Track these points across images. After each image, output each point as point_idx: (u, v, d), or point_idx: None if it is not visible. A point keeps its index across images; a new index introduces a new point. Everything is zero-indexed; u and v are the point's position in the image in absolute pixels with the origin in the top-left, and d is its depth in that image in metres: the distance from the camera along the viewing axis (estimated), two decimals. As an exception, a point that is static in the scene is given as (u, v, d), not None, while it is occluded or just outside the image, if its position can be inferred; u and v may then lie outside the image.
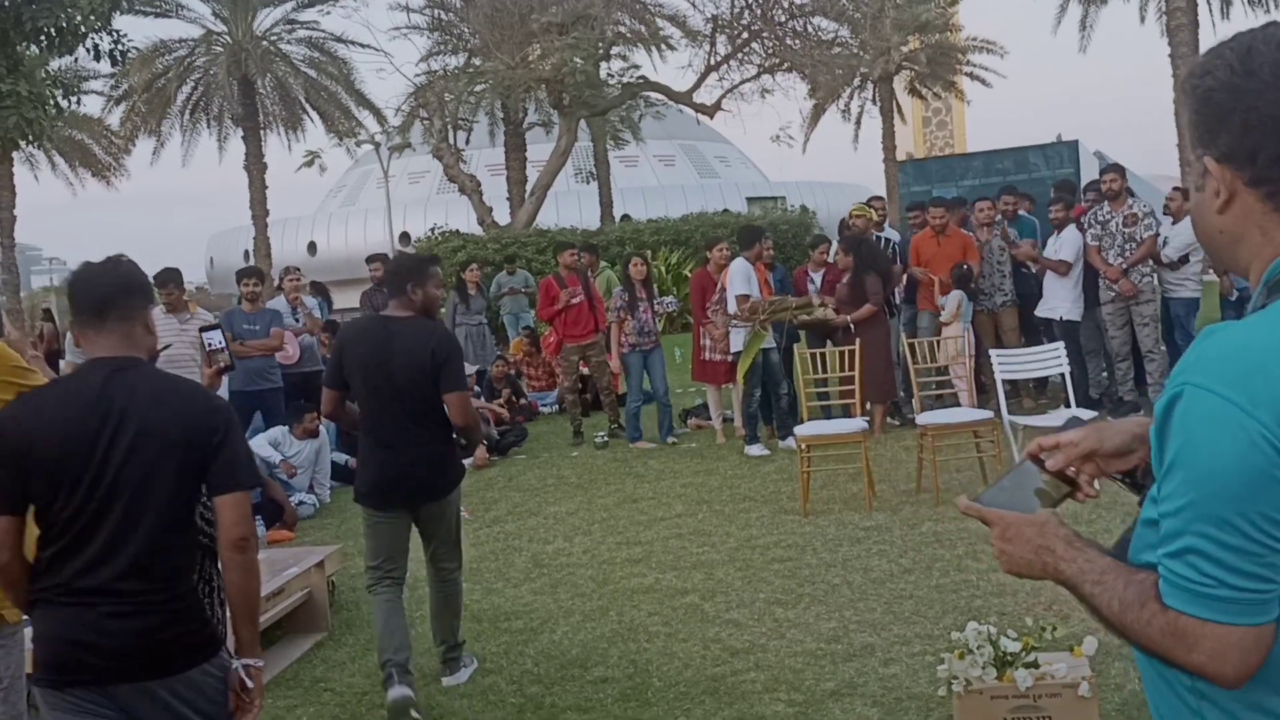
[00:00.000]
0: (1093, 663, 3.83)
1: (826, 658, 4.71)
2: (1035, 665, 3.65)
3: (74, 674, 2.63)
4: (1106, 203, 9.20)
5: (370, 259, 12.53)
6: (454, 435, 4.74)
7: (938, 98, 38.04)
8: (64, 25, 12.60)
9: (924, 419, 7.34)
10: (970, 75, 34.86)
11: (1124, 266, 8.95)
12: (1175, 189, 10.38)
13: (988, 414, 7.37)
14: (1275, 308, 1.29)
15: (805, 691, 4.38)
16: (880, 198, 11.58)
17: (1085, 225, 9.31)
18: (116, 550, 2.64)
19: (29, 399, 2.81)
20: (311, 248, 42.19)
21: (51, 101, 13.38)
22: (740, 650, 4.90)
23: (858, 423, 7.39)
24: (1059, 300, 9.36)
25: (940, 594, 5.40)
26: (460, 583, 5.04)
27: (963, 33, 34.66)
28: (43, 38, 12.81)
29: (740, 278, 9.29)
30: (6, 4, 12.63)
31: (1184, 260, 9.32)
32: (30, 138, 13.20)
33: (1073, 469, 1.58)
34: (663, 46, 24.70)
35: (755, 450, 9.21)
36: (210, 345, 4.92)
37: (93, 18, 12.75)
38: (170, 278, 8.39)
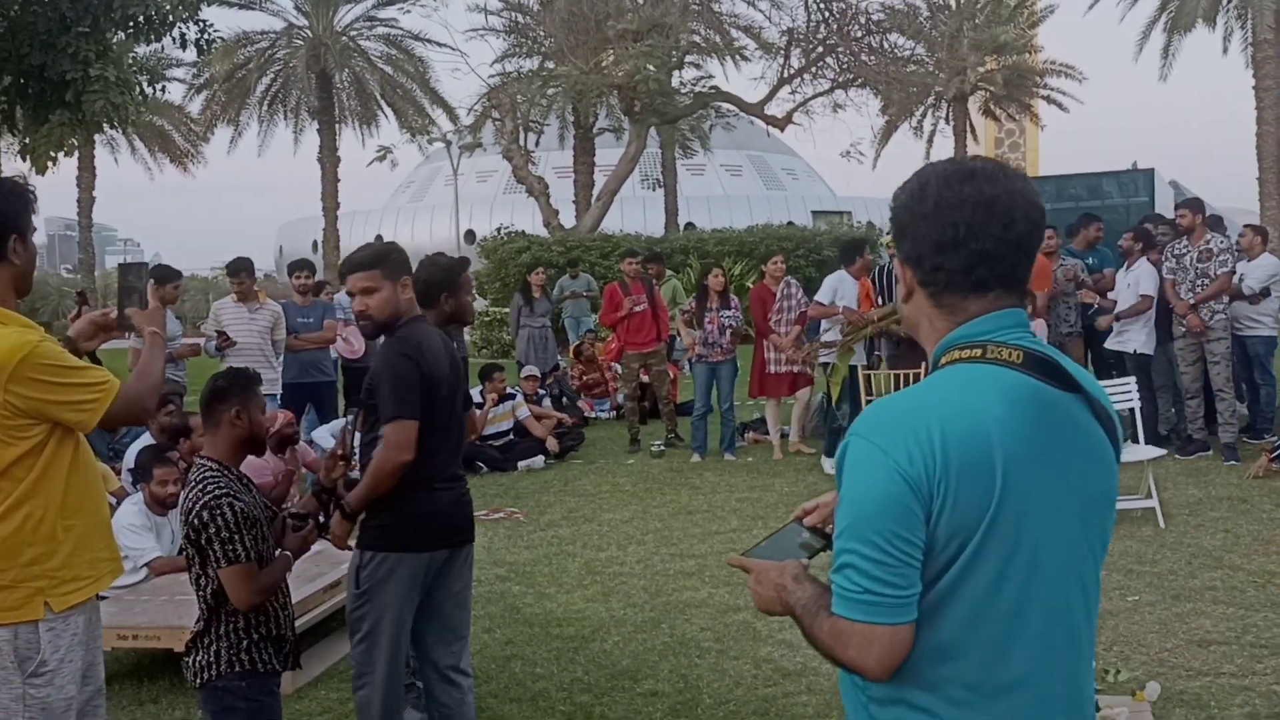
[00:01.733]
0: (1155, 708, 3.75)
1: (880, 685, 4.66)
2: (1096, 708, 3.58)
3: (446, 538, 3.77)
4: (1185, 237, 9.03)
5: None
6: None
7: (1012, 119, 37.63)
8: (153, 14, 12.87)
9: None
10: (1046, 98, 34.46)
11: (1192, 302, 8.78)
12: (1247, 226, 10.17)
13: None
14: (929, 379, 1.67)
15: (857, 718, 4.34)
16: None
17: (1162, 259, 9.15)
18: (458, 450, 3.88)
19: (418, 341, 3.72)
20: (378, 241, 42.63)
21: (137, 87, 13.68)
22: (792, 672, 4.86)
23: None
24: (1132, 333, 9.20)
25: (998, 627, 5.32)
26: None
27: (1041, 55, 34.28)
28: (131, 25, 13.10)
29: (826, 288, 9.34)
30: (99, -10, 12.94)
31: (1265, 293, 9.14)
32: (115, 122, 13.50)
33: (830, 526, 1.80)
34: (736, 57, 24.72)
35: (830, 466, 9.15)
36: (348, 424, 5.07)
37: (180, 7, 13.02)
38: (242, 267, 8.54)
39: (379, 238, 43.09)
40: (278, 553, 3.64)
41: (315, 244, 36.36)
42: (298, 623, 5.06)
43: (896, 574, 1.52)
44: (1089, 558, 1.65)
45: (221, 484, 3.45)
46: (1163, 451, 7.52)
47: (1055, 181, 29.84)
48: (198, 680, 3.54)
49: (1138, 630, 5.18)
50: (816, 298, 9.35)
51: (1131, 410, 7.56)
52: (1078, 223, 10.73)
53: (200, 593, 3.50)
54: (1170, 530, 6.90)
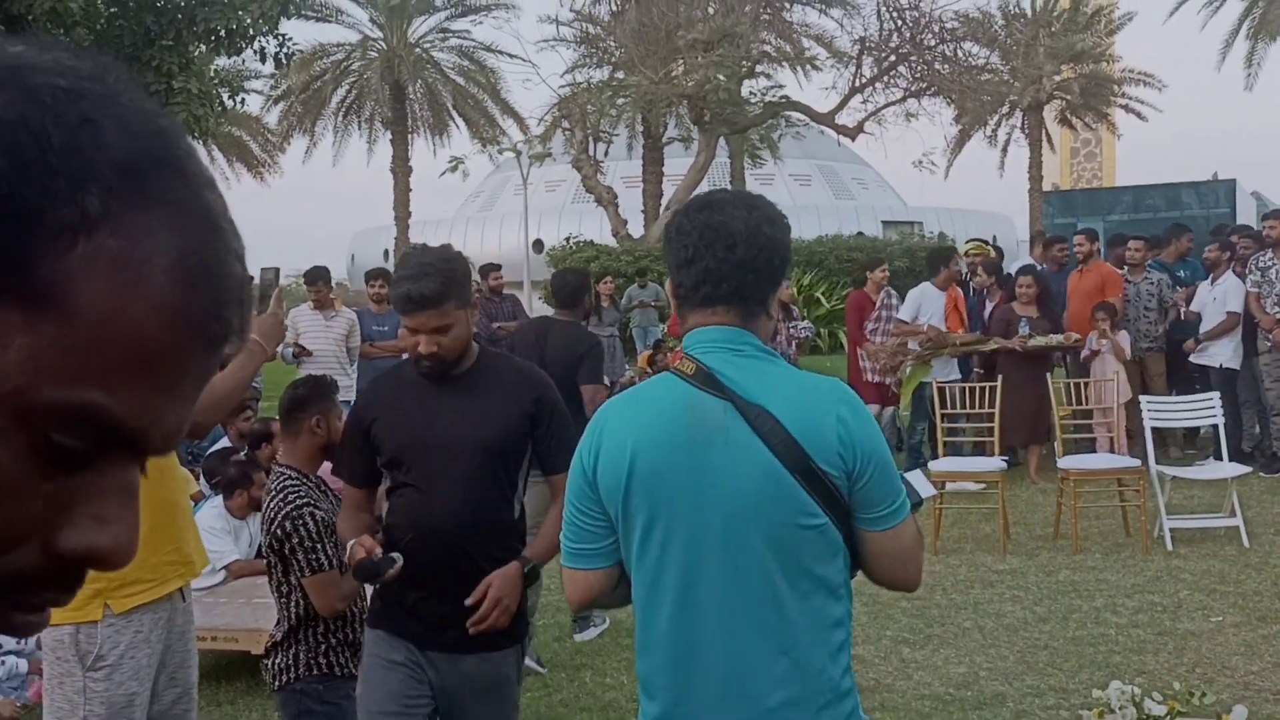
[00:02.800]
0: (1243, 734, 3.64)
1: (955, 704, 4.59)
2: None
3: None
4: (1269, 249, 8.79)
5: (489, 268, 11.87)
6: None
7: (1089, 128, 36.97)
8: (234, 27, 13.15)
9: (1066, 463, 7.11)
10: (1125, 108, 33.78)
11: (1279, 316, 8.55)
12: None
13: (1135, 461, 7.10)
14: (648, 383, 2.06)
15: (932, 737, 4.28)
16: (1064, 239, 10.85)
17: (1246, 272, 8.92)
18: None
19: None
20: (431, 249, 43.04)
21: (218, 100, 13.97)
22: (865, 688, 4.80)
23: (995, 462, 7.20)
24: (1219, 347, 8.97)
25: (1077, 646, 5.22)
26: None
27: (1119, 64, 33.62)
28: (213, 38, 13.40)
29: (909, 303, 8.92)
30: (182, 4, 13.25)
31: None
32: (197, 134, 13.79)
33: None
34: (808, 67, 24.60)
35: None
36: None
37: (261, 21, 13.28)
38: (320, 275, 8.68)
39: (449, 246, 43.51)
40: None
41: (386, 253, 36.81)
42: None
43: (577, 534, 2.00)
44: (744, 544, 1.85)
45: (302, 493, 3.50)
46: (1247, 469, 7.32)
47: (1133, 192, 29.05)
48: (276, 683, 3.59)
49: (1222, 652, 5.04)
50: (899, 314, 8.97)
51: (1215, 427, 7.38)
52: (1167, 234, 10.49)
53: (282, 600, 3.55)
54: (1255, 549, 6.71)
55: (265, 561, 3.59)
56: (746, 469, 1.83)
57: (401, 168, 32.04)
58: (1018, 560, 6.72)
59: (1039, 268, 10.20)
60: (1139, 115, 33.86)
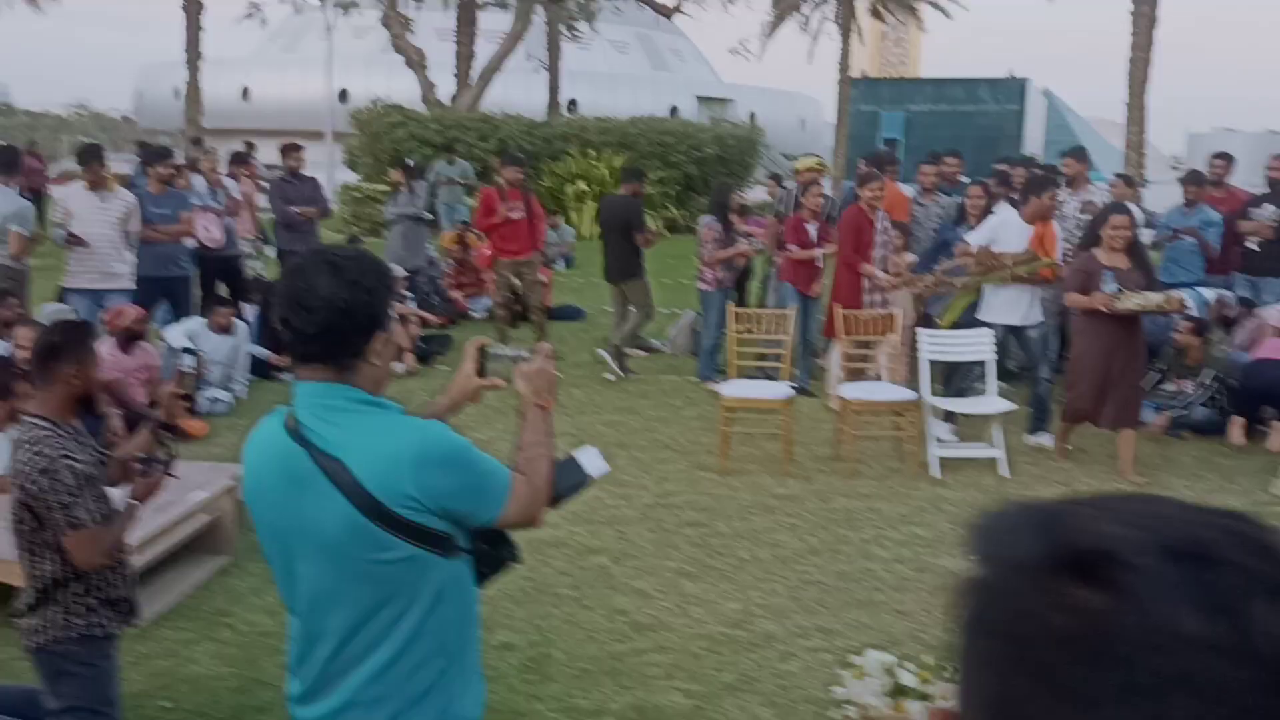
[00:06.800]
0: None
1: (727, 645, 4.79)
2: (929, 698, 3.75)
3: None
4: (1065, 187, 9.18)
5: (290, 147, 10.89)
6: None
7: (900, 22, 37.68)
8: None
9: (847, 391, 7.39)
10: (932, 4, 34.54)
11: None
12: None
13: (912, 395, 7.41)
14: (269, 420, 2.28)
15: (704, 682, 4.46)
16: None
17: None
18: None
19: None
20: (245, 94, 40.83)
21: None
22: (645, 626, 4.95)
23: (783, 387, 7.42)
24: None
25: (843, 581, 5.50)
26: None
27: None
28: None
29: (983, 231, 7.72)
30: None
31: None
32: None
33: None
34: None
35: (1039, 439, 7.92)
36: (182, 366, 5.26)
37: None
38: (93, 155, 8.06)
39: (246, 90, 41.11)
40: (125, 505, 3.51)
41: (176, 91, 34.42)
42: (145, 558, 4.93)
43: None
44: (335, 580, 2.11)
45: (56, 444, 3.30)
46: (1012, 406, 7.73)
47: (934, 84, 29.81)
48: (31, 644, 3.43)
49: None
50: (971, 238, 7.75)
51: (989, 361, 7.72)
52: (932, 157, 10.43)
53: (35, 559, 3.38)
54: (1013, 481, 7.19)
55: (16, 518, 3.38)
56: (328, 515, 2.05)
57: (193, 5, 29.75)
58: (797, 484, 6.99)
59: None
60: (944, 13, 34.69)
